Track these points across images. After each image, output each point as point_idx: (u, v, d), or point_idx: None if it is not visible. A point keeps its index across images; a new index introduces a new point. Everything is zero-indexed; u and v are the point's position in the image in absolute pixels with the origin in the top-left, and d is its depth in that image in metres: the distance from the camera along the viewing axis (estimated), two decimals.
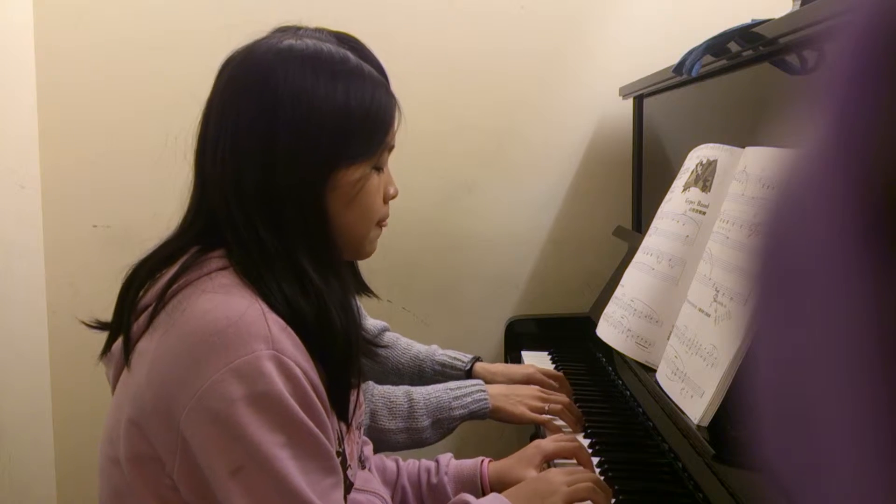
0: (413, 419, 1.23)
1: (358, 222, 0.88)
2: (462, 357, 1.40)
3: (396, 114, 0.90)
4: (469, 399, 1.26)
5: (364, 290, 1.02)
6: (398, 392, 1.26)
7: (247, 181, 0.82)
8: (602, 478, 1.06)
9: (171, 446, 0.75)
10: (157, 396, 0.76)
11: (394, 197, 0.95)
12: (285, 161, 0.82)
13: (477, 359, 1.41)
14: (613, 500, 1.01)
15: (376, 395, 1.24)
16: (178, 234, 0.87)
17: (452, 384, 1.29)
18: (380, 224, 0.93)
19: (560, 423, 1.27)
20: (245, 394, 0.72)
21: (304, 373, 0.76)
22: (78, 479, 1.80)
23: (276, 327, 0.76)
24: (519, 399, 1.28)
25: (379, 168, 0.89)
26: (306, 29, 0.91)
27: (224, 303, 0.76)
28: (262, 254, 0.81)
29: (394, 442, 1.24)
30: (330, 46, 0.86)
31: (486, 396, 1.27)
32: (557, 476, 1.00)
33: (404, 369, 1.38)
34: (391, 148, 0.92)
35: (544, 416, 1.26)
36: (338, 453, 0.82)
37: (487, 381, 1.36)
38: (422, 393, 1.26)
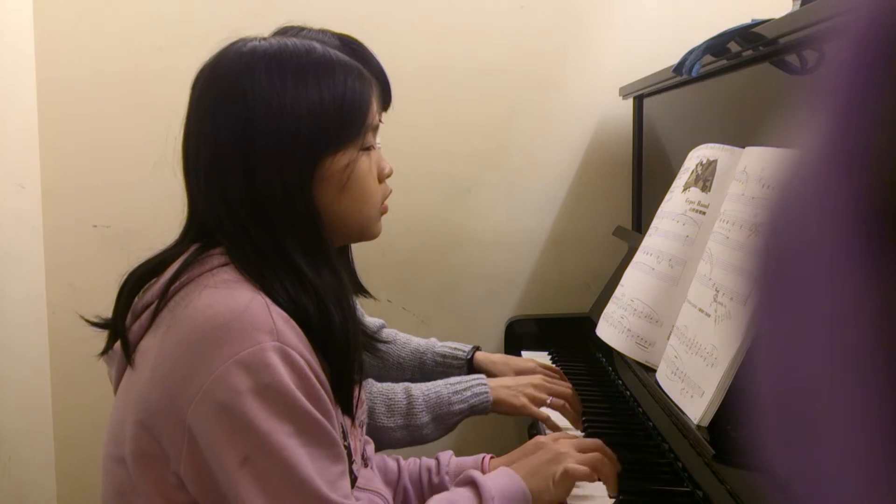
0: (412, 416, 1.22)
1: (356, 206, 0.88)
2: (462, 347, 1.40)
3: (373, 93, 0.88)
4: (469, 393, 1.23)
5: (360, 290, 1.01)
6: (397, 389, 1.24)
7: (231, 189, 0.82)
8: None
9: (177, 442, 0.75)
10: (162, 393, 0.76)
11: (389, 175, 0.94)
12: (266, 164, 0.82)
13: (477, 348, 1.41)
14: (613, 501, 1.01)
15: (375, 392, 1.23)
16: (175, 242, 0.89)
17: (453, 379, 1.27)
18: (382, 203, 0.92)
19: (561, 421, 1.26)
20: (251, 385, 0.73)
21: (308, 364, 0.77)
22: (78, 479, 1.80)
23: (280, 320, 0.76)
24: (520, 390, 1.25)
25: (367, 148, 0.88)
26: (310, 30, 0.91)
27: (227, 297, 0.77)
28: (259, 256, 0.82)
29: (393, 439, 1.22)
30: (294, 41, 0.86)
31: (487, 389, 1.24)
32: (564, 445, 1.00)
33: (406, 363, 1.38)
34: (376, 127, 0.90)
35: (544, 412, 1.25)
36: (343, 447, 0.82)
37: (488, 370, 1.35)
38: (421, 389, 1.24)
